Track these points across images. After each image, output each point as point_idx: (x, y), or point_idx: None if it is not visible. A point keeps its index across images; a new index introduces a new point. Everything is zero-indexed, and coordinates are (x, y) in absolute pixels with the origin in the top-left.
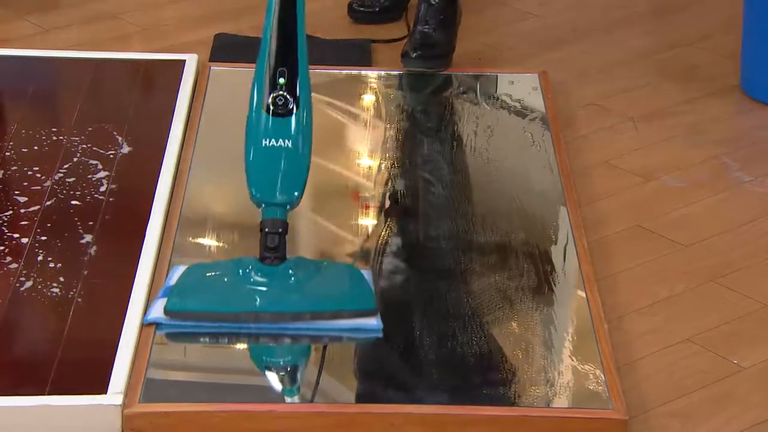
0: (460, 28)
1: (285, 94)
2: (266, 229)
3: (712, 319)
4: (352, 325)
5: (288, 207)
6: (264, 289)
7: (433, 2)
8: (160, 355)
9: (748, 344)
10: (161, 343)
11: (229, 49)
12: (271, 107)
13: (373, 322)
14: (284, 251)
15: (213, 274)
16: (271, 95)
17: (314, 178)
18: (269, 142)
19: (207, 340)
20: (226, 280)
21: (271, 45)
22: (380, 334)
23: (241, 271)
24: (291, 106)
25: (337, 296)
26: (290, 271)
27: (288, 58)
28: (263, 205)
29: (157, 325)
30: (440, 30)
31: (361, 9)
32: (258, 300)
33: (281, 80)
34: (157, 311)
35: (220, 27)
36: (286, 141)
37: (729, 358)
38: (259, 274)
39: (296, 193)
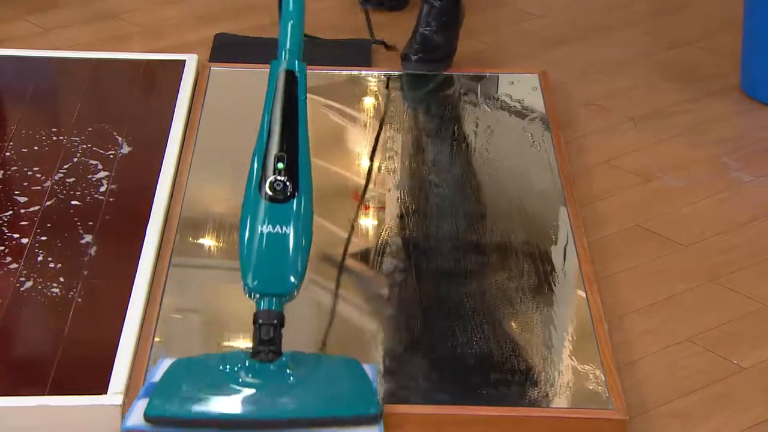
0: (461, 28)
1: (284, 179)
2: (260, 321)
3: (712, 319)
4: None
5: (285, 298)
6: (256, 391)
7: (436, 4)
8: (160, 355)
9: (748, 344)
10: (161, 343)
11: (229, 49)
12: (269, 192)
13: (375, 430)
14: (280, 345)
15: (200, 372)
16: (269, 180)
17: (314, 178)
18: (265, 229)
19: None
20: (213, 379)
21: (272, 128)
22: None
23: (230, 368)
24: (289, 192)
25: (336, 400)
26: (286, 370)
27: (288, 142)
28: (257, 296)
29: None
30: (441, 32)
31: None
32: (249, 405)
33: (280, 165)
34: (137, 416)
35: (220, 27)
36: (284, 228)
37: (729, 358)
38: (251, 373)
39: (293, 283)
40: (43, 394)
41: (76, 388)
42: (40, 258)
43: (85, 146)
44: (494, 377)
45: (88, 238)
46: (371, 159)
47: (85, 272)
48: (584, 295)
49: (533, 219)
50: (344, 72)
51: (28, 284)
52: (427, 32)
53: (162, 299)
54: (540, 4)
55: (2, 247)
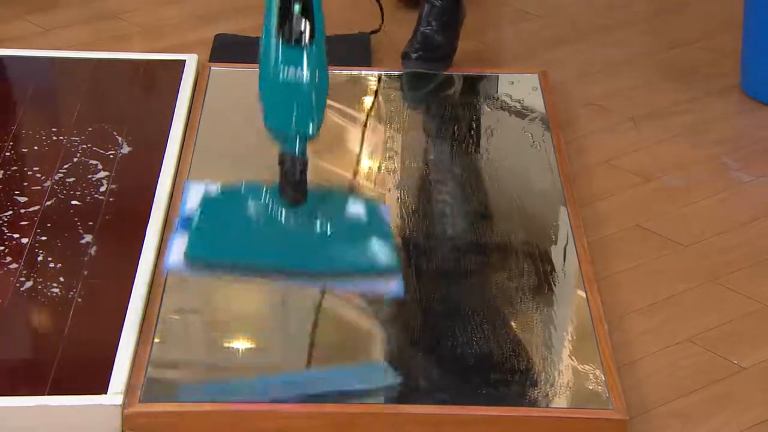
0: (462, 28)
1: (302, 21)
2: (284, 163)
3: (712, 319)
4: (372, 287)
5: (307, 138)
6: (287, 239)
7: (437, 3)
8: (160, 355)
9: (748, 344)
10: (161, 343)
11: (229, 49)
12: (287, 35)
13: (394, 286)
14: (305, 187)
15: (235, 211)
16: (287, 22)
17: (315, 178)
18: (285, 71)
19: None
20: (249, 223)
21: None
22: (402, 295)
23: (264, 209)
24: (308, 34)
25: (361, 253)
26: (314, 220)
27: None
28: (280, 138)
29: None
30: (442, 32)
31: None
32: (281, 255)
33: (297, 7)
34: (177, 256)
35: (220, 27)
36: (303, 70)
37: (729, 358)
38: (282, 219)
39: (315, 123)
40: (43, 394)
41: (76, 388)
42: (40, 258)
43: (85, 146)
44: (494, 377)
45: (88, 238)
46: (371, 159)
47: (85, 272)
48: (584, 295)
49: (533, 219)
50: (344, 72)
51: (28, 284)
52: (427, 31)
53: (162, 299)
54: (540, 3)
55: (2, 247)
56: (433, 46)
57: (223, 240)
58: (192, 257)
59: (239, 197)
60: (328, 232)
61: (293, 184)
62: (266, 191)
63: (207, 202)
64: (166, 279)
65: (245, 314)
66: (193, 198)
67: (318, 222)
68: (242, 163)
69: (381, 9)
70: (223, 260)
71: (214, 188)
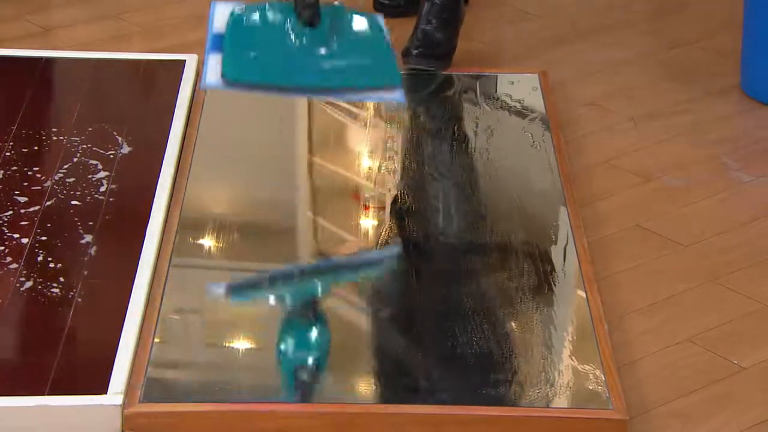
0: (462, 26)
1: None
2: None
3: (712, 319)
4: (377, 97)
5: None
6: (306, 59)
7: (437, 1)
8: (160, 355)
9: (748, 344)
10: (161, 343)
11: None
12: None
13: (397, 94)
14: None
15: (262, 32)
16: None
17: (314, 178)
18: None
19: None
20: (276, 44)
21: None
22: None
23: (286, 29)
24: None
25: (370, 71)
26: (331, 38)
27: None
28: None
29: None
30: (442, 30)
31: (387, 2)
32: (304, 75)
33: None
34: (214, 75)
35: None
36: None
37: (729, 358)
38: (303, 38)
39: None
40: (43, 394)
41: (76, 388)
42: (40, 258)
43: (85, 146)
44: (494, 377)
45: (88, 238)
46: (371, 159)
47: (85, 272)
48: (584, 295)
49: (533, 219)
50: None
51: (28, 284)
52: (428, 29)
53: (162, 299)
54: (540, 3)
55: (2, 247)
56: (433, 43)
57: (253, 60)
58: (227, 76)
59: (264, 17)
60: (343, 51)
61: (309, 5)
62: (285, 12)
63: (234, 23)
64: (166, 279)
65: (245, 314)
66: (219, 18)
67: (333, 42)
68: (243, 163)
69: None
70: (255, 80)
71: (240, 8)
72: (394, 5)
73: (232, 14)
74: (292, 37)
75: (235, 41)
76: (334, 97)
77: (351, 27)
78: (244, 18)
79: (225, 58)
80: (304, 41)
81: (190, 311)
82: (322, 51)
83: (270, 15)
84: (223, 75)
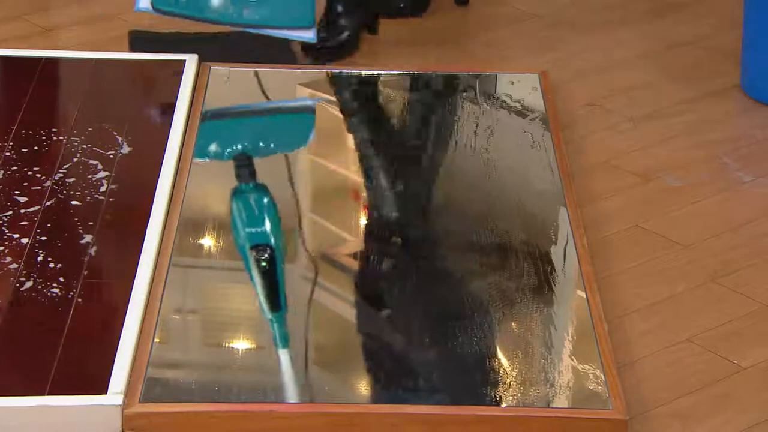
0: (461, 27)
1: None
2: None
3: (712, 319)
4: (293, 35)
5: None
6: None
7: None
8: (160, 355)
9: (748, 344)
10: (161, 343)
11: (146, 45)
12: None
13: (310, 34)
14: None
15: None
16: None
17: (314, 178)
18: None
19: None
20: None
21: None
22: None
23: None
24: None
25: (285, 13)
26: None
27: None
28: None
29: None
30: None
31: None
32: (225, 13)
33: None
34: (146, 2)
35: (218, 27)
36: None
37: (729, 358)
38: None
39: None
40: (43, 394)
41: (76, 388)
42: (40, 258)
43: (85, 146)
44: (494, 377)
45: (88, 238)
46: (371, 159)
47: (85, 272)
48: (584, 295)
49: (533, 219)
50: (344, 72)
51: (28, 284)
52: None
53: (162, 299)
54: (540, 3)
55: (2, 247)
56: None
57: None
58: (156, 4)
59: None
60: None
61: None
62: None
63: None
64: (166, 279)
65: (245, 314)
66: None
67: None
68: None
69: None
70: (180, 12)
71: None
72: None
73: None
74: None
75: None
76: (252, 31)
77: None
78: None
79: None
80: None
81: (190, 311)
82: None
83: None
84: (152, 3)
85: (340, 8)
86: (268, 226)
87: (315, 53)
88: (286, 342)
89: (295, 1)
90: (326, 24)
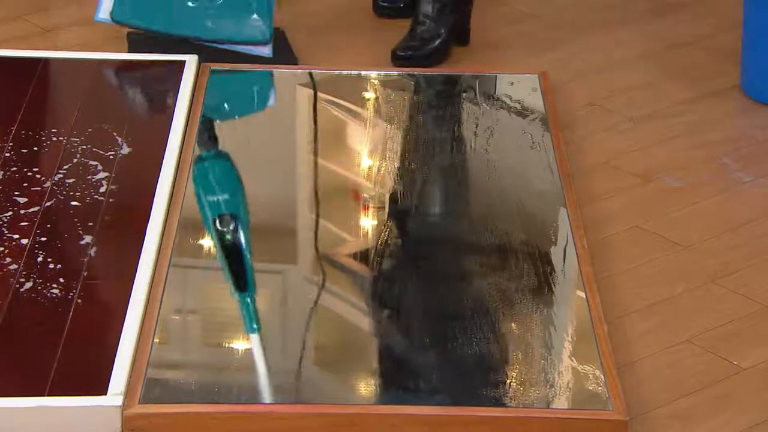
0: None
1: None
2: None
3: (712, 319)
4: (250, 50)
5: None
6: (189, 16)
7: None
8: (160, 356)
9: (748, 345)
10: (161, 344)
11: (145, 45)
12: None
13: (266, 50)
14: None
15: None
16: None
17: (315, 178)
18: None
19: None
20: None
21: None
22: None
23: None
24: None
25: (237, 29)
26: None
27: None
28: None
29: None
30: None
31: (386, 4)
32: (184, 26)
33: None
34: (105, 13)
35: None
36: None
37: (729, 359)
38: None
39: None
40: (43, 395)
41: (76, 389)
42: (39, 259)
43: (84, 147)
44: (494, 377)
45: (87, 238)
46: (371, 159)
47: (85, 273)
48: (584, 296)
49: (533, 219)
50: (344, 72)
51: (28, 285)
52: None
53: (162, 299)
54: (540, 4)
55: (2, 248)
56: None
57: (140, 4)
58: (115, 16)
59: None
60: (223, 6)
61: None
62: None
63: None
64: (166, 279)
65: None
66: None
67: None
68: (242, 164)
69: None
70: (138, 24)
71: None
72: (394, 7)
73: None
74: None
75: None
76: (209, 45)
77: None
78: None
79: (115, 2)
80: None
81: (190, 312)
82: (206, 4)
83: None
84: (111, 14)
85: (431, 12)
86: (229, 196)
87: (402, 62)
88: (252, 324)
89: (252, 18)
90: (413, 31)
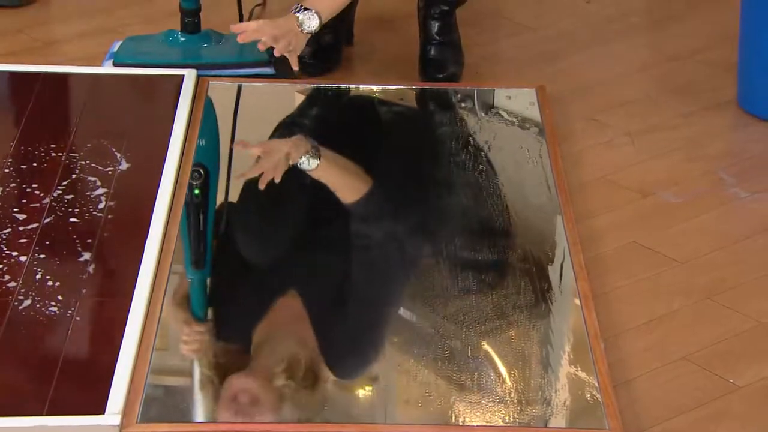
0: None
1: None
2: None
3: (708, 336)
4: (254, 71)
5: None
6: (187, 48)
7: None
8: (158, 375)
9: (744, 362)
10: (159, 363)
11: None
12: None
13: (269, 69)
14: (199, 24)
15: (148, 39)
16: None
17: (311, 191)
18: None
19: None
20: (158, 42)
21: None
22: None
23: (170, 37)
24: None
25: (240, 53)
26: (205, 37)
27: None
28: None
29: None
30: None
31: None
32: (183, 56)
33: None
34: (108, 63)
35: None
36: None
37: (725, 377)
38: (184, 38)
39: None
40: (41, 414)
41: (74, 407)
42: (38, 276)
43: (83, 162)
44: (490, 396)
45: (86, 255)
46: (368, 172)
47: (84, 290)
48: (581, 313)
49: (530, 235)
50: (341, 86)
51: (27, 302)
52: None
53: (160, 318)
54: (537, 17)
55: (1, 265)
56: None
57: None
58: (118, 61)
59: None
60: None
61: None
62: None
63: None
64: (164, 297)
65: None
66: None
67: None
68: (241, 176)
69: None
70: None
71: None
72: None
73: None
74: (177, 38)
75: (126, 44)
76: (212, 72)
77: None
78: (135, 37)
79: (117, 52)
80: (187, 40)
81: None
82: (203, 46)
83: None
84: (113, 62)
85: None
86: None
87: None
88: (200, 309)
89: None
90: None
